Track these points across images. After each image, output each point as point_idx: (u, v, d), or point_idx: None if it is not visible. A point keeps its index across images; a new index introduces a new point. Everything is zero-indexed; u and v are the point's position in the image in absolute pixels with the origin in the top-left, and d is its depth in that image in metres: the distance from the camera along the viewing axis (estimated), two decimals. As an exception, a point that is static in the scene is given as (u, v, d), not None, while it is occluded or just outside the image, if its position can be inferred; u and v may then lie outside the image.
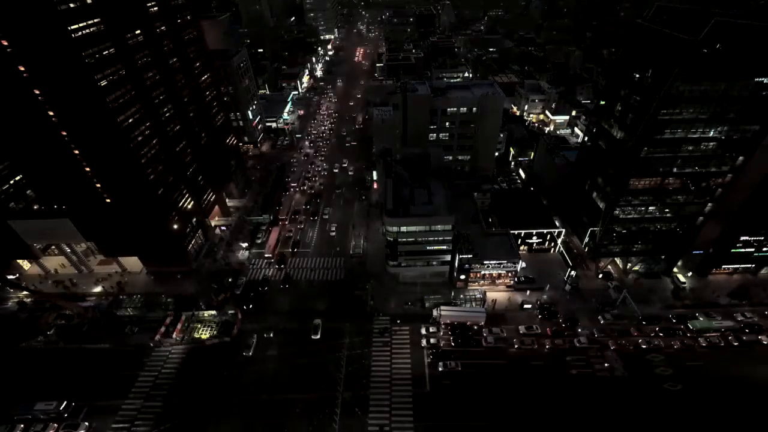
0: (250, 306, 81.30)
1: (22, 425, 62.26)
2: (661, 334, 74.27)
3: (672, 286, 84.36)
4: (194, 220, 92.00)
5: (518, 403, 63.92)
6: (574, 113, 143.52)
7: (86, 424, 62.48)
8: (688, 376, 67.29)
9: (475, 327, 75.76)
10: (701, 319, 76.16)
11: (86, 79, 62.32)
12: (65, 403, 63.78)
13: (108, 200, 76.34)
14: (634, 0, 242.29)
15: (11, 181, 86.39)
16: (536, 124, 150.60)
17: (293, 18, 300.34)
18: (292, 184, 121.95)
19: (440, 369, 68.86)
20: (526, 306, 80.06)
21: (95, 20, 63.24)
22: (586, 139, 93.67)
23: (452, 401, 64.45)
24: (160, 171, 79.28)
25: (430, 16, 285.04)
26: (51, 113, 65.42)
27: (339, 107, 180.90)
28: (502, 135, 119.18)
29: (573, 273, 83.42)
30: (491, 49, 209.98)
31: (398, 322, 77.54)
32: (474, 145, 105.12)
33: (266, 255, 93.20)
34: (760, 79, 62.33)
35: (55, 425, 61.86)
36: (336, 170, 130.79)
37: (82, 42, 60.67)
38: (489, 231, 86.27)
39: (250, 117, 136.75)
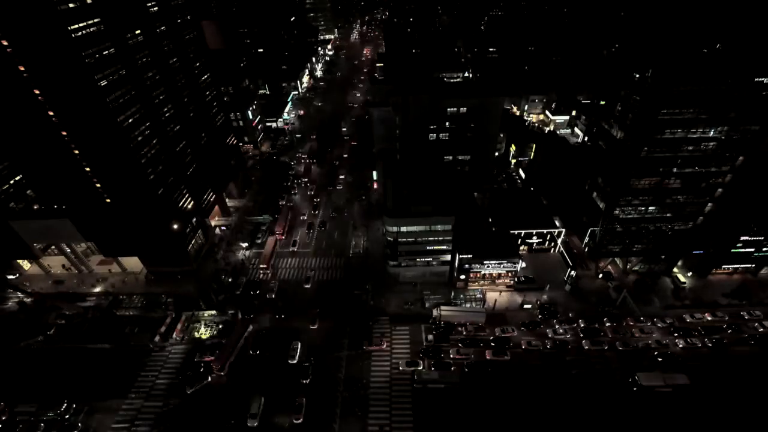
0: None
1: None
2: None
3: (672, 286, 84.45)
4: (194, 220, 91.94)
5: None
6: (574, 113, 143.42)
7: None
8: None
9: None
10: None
11: (86, 79, 62.25)
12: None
13: (108, 200, 76.28)
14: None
15: (11, 181, 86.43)
16: (536, 124, 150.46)
17: (293, 18, 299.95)
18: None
19: None
20: (526, 306, 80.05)
21: (95, 20, 63.21)
22: (586, 139, 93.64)
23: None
24: (160, 171, 79.22)
25: (431, 15, 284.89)
26: (51, 113, 65.40)
27: (338, 107, 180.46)
28: (501, 135, 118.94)
29: (573, 273, 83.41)
30: (491, 49, 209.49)
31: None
32: (474, 145, 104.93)
33: (262, 266, 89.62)
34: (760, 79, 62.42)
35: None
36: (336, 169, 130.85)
37: (82, 42, 60.62)
38: (489, 231, 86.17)
39: (250, 117, 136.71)
